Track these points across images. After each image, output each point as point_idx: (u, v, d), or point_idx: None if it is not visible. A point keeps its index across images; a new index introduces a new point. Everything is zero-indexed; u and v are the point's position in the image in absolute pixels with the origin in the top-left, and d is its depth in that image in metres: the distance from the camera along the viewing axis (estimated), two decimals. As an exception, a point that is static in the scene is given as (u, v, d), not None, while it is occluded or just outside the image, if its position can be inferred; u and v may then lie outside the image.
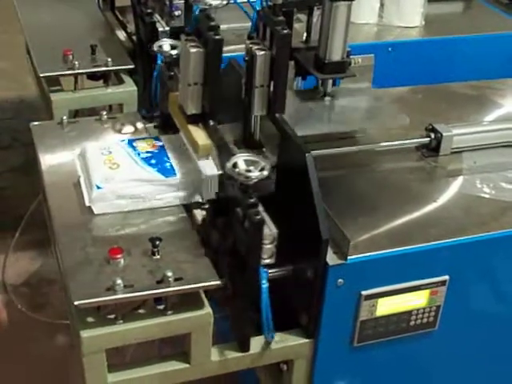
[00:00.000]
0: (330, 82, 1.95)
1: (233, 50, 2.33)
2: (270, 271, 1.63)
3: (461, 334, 1.85)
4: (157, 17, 2.48)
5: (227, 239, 1.62)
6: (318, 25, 1.92)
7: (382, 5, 2.93)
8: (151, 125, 2.10)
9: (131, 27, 2.70)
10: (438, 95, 2.33)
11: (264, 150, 1.86)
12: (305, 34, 2.02)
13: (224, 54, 2.07)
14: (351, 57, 1.92)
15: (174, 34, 2.08)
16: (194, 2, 1.77)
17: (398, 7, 2.88)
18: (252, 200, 1.50)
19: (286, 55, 1.67)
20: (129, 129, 2.06)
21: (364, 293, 1.66)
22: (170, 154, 1.85)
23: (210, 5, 1.75)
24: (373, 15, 2.92)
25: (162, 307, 1.59)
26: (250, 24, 1.79)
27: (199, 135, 1.78)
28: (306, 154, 1.58)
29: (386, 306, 1.70)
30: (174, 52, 1.95)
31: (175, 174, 1.78)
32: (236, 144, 1.86)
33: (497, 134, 2.03)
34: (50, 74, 2.43)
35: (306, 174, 1.57)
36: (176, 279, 1.55)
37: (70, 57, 2.43)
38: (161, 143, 1.90)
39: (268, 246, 1.54)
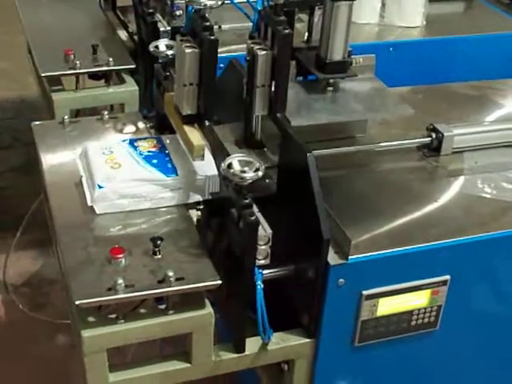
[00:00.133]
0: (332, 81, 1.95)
1: (234, 50, 2.34)
2: (268, 271, 1.63)
3: (462, 333, 1.85)
4: (158, 16, 2.48)
5: (222, 240, 1.62)
6: (319, 25, 1.92)
7: (383, 5, 2.93)
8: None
9: (133, 27, 2.70)
10: (439, 95, 2.33)
11: (265, 149, 1.86)
12: (306, 34, 2.02)
13: (225, 54, 2.08)
14: (352, 57, 1.92)
15: (175, 33, 2.08)
16: (189, 2, 1.77)
17: (399, 7, 2.88)
18: (247, 201, 1.51)
19: (287, 55, 1.67)
20: (130, 128, 2.06)
21: (365, 292, 1.66)
22: (171, 154, 1.85)
23: (205, 5, 1.75)
24: (374, 15, 2.92)
25: (163, 307, 1.59)
26: (251, 24, 1.79)
27: (194, 136, 1.79)
28: (308, 154, 1.58)
29: (387, 306, 1.70)
30: (169, 52, 1.95)
31: (176, 173, 1.78)
32: (237, 144, 1.86)
33: (498, 134, 2.03)
34: (52, 73, 2.43)
35: (307, 174, 1.57)
36: (177, 279, 1.55)
37: (72, 56, 2.44)
38: (162, 143, 1.90)
39: (263, 247, 1.54)
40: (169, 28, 2.46)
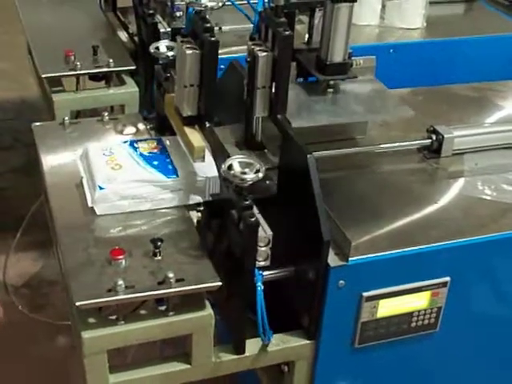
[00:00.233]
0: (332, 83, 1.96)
1: (235, 51, 2.34)
2: (268, 273, 1.63)
3: (462, 335, 1.85)
4: (158, 18, 2.48)
5: (222, 241, 1.62)
6: (319, 26, 1.92)
7: (383, 6, 2.93)
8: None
9: (133, 28, 2.70)
10: (440, 97, 2.33)
11: (266, 151, 1.86)
12: (306, 36, 2.02)
13: (226, 55, 2.08)
14: (353, 58, 1.92)
15: (176, 35, 2.09)
16: (190, 3, 1.77)
17: (399, 9, 2.88)
18: (247, 202, 1.51)
19: (287, 56, 1.67)
20: (130, 130, 2.06)
21: (365, 294, 1.66)
22: (171, 155, 1.85)
23: (206, 6, 1.75)
24: (374, 17, 2.92)
25: (163, 308, 1.59)
26: (251, 25, 1.79)
27: (195, 137, 1.79)
28: (308, 156, 1.58)
29: (387, 308, 1.70)
30: (170, 53, 1.95)
31: (177, 174, 1.78)
32: (238, 145, 1.86)
33: (498, 136, 2.03)
34: (52, 74, 2.43)
35: (307, 176, 1.57)
36: (177, 280, 1.55)
37: (72, 57, 2.44)
38: (162, 144, 1.90)
39: (263, 249, 1.54)
40: (169, 29, 2.47)
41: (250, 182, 1.52)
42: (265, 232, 1.54)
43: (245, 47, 1.75)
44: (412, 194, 1.84)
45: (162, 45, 1.99)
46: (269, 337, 1.65)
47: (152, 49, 1.98)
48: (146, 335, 1.59)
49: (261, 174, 1.53)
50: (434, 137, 1.98)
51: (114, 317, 1.55)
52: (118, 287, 1.51)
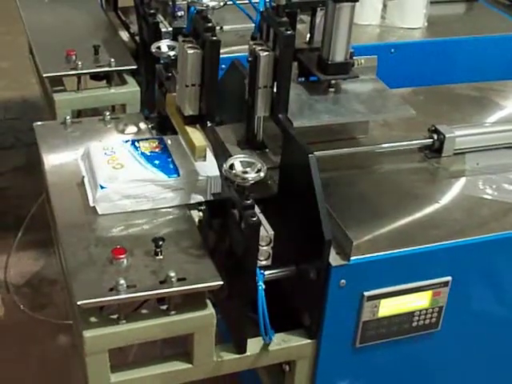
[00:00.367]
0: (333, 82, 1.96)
1: (236, 51, 2.34)
2: (270, 272, 1.63)
3: (463, 334, 1.85)
4: (160, 17, 2.48)
5: (224, 241, 1.62)
6: (321, 26, 1.92)
7: (384, 6, 2.93)
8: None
9: (134, 28, 2.70)
10: (441, 97, 2.33)
11: (267, 150, 1.86)
12: (308, 35, 2.02)
13: (227, 55, 2.08)
14: (354, 58, 1.92)
15: (177, 34, 2.09)
16: (192, 3, 1.77)
17: (400, 8, 2.88)
18: (248, 202, 1.51)
19: (289, 56, 1.67)
20: (132, 129, 2.06)
21: (366, 294, 1.66)
22: (173, 155, 1.86)
23: (207, 6, 1.75)
24: (376, 16, 2.92)
25: (164, 307, 1.59)
26: (253, 25, 1.79)
27: (196, 136, 1.79)
28: (309, 155, 1.58)
29: (389, 307, 1.70)
30: (171, 53, 1.95)
31: (178, 174, 1.78)
32: (239, 144, 1.86)
33: (499, 136, 2.03)
34: (53, 74, 2.43)
35: (308, 175, 1.57)
36: (179, 279, 1.55)
37: (73, 57, 2.44)
38: (164, 144, 1.90)
39: (264, 248, 1.54)
40: (171, 29, 2.47)
41: (252, 182, 1.52)
42: (266, 231, 1.54)
43: (246, 47, 1.75)
44: (413, 194, 1.84)
45: (164, 44, 1.99)
46: (270, 336, 1.65)
47: (153, 48, 1.99)
48: (148, 334, 1.59)
49: (262, 174, 1.53)
50: (435, 136, 1.98)
51: (115, 316, 1.56)
52: (119, 286, 1.51)
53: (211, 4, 1.76)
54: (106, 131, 2.07)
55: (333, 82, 1.92)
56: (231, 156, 1.60)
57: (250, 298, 1.59)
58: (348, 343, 1.73)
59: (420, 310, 1.74)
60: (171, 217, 1.76)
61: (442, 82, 2.45)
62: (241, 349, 1.67)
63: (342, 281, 1.63)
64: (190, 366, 1.65)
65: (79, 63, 2.42)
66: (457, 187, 1.88)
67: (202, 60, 1.75)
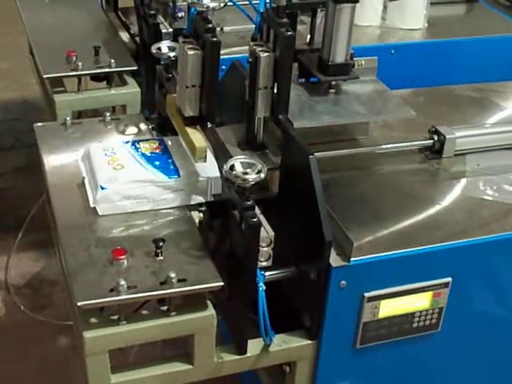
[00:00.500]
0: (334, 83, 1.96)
1: (236, 52, 2.34)
2: (270, 273, 1.63)
3: (464, 335, 1.85)
4: (160, 18, 2.48)
5: (224, 241, 1.62)
6: (321, 27, 1.92)
7: (385, 7, 2.93)
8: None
9: (134, 28, 2.70)
10: (441, 97, 2.33)
11: (267, 151, 1.86)
12: (308, 36, 2.02)
13: (228, 56, 2.08)
14: (354, 59, 1.93)
15: (177, 35, 2.09)
16: (192, 4, 1.77)
17: (400, 9, 2.88)
18: (249, 203, 1.51)
19: (289, 57, 1.67)
20: (132, 130, 2.07)
21: (367, 295, 1.66)
22: (173, 156, 1.86)
23: (208, 7, 1.75)
24: (376, 17, 2.92)
25: (165, 308, 1.59)
26: (253, 26, 1.79)
27: (196, 137, 1.79)
28: (310, 156, 1.58)
29: (389, 308, 1.70)
30: (171, 54, 1.95)
31: (179, 175, 1.79)
32: (239, 145, 1.86)
33: (500, 137, 2.04)
34: (54, 75, 2.43)
35: (309, 176, 1.57)
36: (179, 280, 1.55)
37: (74, 58, 2.44)
38: (164, 145, 1.90)
39: (265, 249, 1.55)
40: (171, 30, 2.47)
41: (252, 183, 1.52)
42: (267, 232, 1.54)
43: (246, 48, 1.75)
44: (413, 195, 1.84)
45: (164, 45, 1.99)
46: (270, 337, 1.65)
47: (154, 49, 1.99)
48: (148, 335, 1.59)
49: (262, 175, 1.53)
50: (435, 137, 1.98)
51: (115, 317, 1.56)
52: (119, 287, 1.51)
53: (211, 5, 1.76)
54: (107, 132, 2.07)
55: (333, 82, 1.92)
56: (231, 157, 1.60)
57: (250, 299, 1.59)
58: (348, 344, 1.73)
59: (420, 311, 1.74)
60: (172, 218, 1.76)
61: (442, 82, 2.45)
62: (241, 350, 1.67)
63: (343, 282, 1.63)
64: (191, 366, 1.65)
65: (79, 64, 2.42)
66: (457, 188, 1.88)
67: (202, 61, 1.75)
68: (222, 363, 1.67)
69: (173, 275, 1.54)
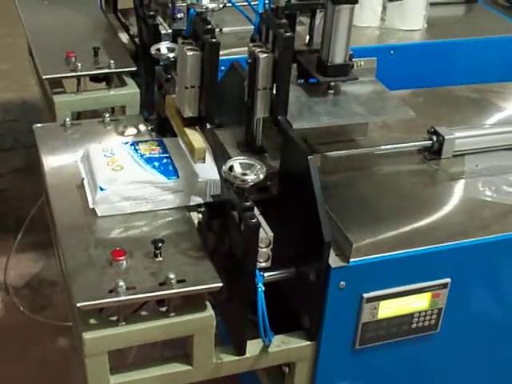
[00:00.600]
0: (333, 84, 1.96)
1: (235, 53, 2.34)
2: (269, 274, 1.63)
3: (463, 336, 1.85)
4: (159, 19, 2.47)
5: (223, 242, 1.62)
6: (320, 28, 1.92)
7: (384, 8, 2.93)
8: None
9: (134, 29, 2.70)
10: (440, 98, 2.33)
11: (266, 155, 1.86)
12: (307, 37, 2.03)
13: (227, 57, 2.08)
14: (353, 60, 1.93)
15: (177, 36, 2.09)
16: (191, 5, 1.77)
17: (400, 10, 2.88)
18: (248, 203, 1.51)
19: (288, 58, 1.67)
20: (131, 131, 2.07)
21: (366, 295, 1.66)
22: (172, 157, 1.86)
23: (207, 8, 1.75)
24: (375, 18, 2.92)
25: (164, 309, 1.59)
26: (252, 27, 1.79)
27: (195, 138, 1.79)
28: (308, 157, 1.58)
29: (388, 309, 1.70)
30: (171, 55, 1.95)
31: (178, 176, 1.79)
32: (239, 147, 1.86)
33: (499, 137, 2.04)
34: (53, 75, 2.43)
35: (308, 177, 1.57)
36: (178, 281, 1.55)
37: (73, 59, 2.44)
38: (163, 145, 1.90)
39: (264, 250, 1.55)
40: (170, 31, 2.46)
41: (251, 184, 1.52)
42: (266, 233, 1.54)
43: (245, 49, 1.75)
44: (412, 196, 1.85)
45: (163, 46, 1.99)
46: (270, 338, 1.66)
47: (153, 50, 1.99)
48: (147, 336, 1.59)
49: (261, 175, 1.53)
50: (434, 138, 1.98)
51: (114, 318, 1.56)
52: (119, 288, 1.51)
53: (211, 6, 1.76)
54: (106, 133, 2.07)
55: (332, 83, 1.92)
56: (231, 158, 1.60)
57: (249, 300, 1.59)
58: (347, 345, 1.73)
59: (419, 312, 1.74)
60: (171, 219, 1.76)
61: (441, 83, 2.45)
62: (240, 350, 1.67)
63: (342, 282, 1.63)
64: (190, 367, 1.66)
65: (79, 65, 2.42)
66: (456, 189, 1.88)
67: (201, 62, 1.75)
68: (221, 364, 1.67)
69: (172, 276, 1.54)
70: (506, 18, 3.11)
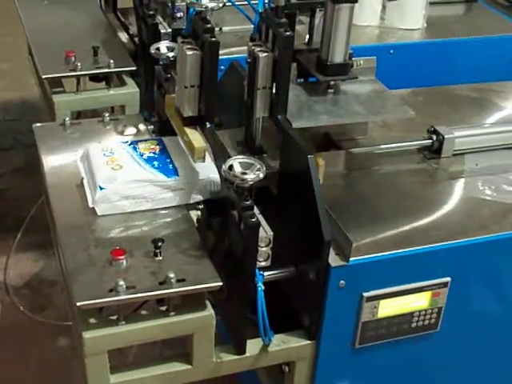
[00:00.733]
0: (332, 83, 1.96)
1: (235, 52, 2.34)
2: (269, 273, 1.63)
3: (463, 335, 1.85)
4: (159, 18, 2.48)
5: (223, 241, 1.62)
6: (320, 27, 1.92)
7: (383, 7, 2.93)
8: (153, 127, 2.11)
9: (133, 29, 2.70)
10: (440, 97, 2.33)
11: (265, 155, 1.86)
12: (307, 36, 2.02)
13: (226, 56, 2.08)
14: (353, 59, 1.93)
15: (176, 35, 2.09)
16: (191, 4, 1.77)
17: (399, 9, 2.88)
18: (248, 202, 1.51)
19: (288, 57, 1.67)
20: (131, 130, 2.07)
21: (366, 294, 1.66)
22: (172, 156, 1.86)
23: (206, 7, 1.75)
24: (375, 17, 2.92)
25: (164, 308, 1.59)
26: (252, 26, 1.79)
27: (195, 137, 1.79)
28: (308, 156, 1.58)
29: (388, 308, 1.70)
30: (170, 54, 1.95)
31: (177, 174, 1.79)
32: (238, 146, 1.86)
33: (499, 137, 2.04)
34: (53, 75, 2.43)
35: (308, 176, 1.57)
36: (178, 280, 1.55)
37: (73, 58, 2.44)
38: (163, 145, 1.90)
39: (263, 249, 1.55)
40: (170, 30, 2.47)
41: (251, 183, 1.52)
42: (265, 232, 1.54)
43: (245, 48, 1.75)
44: (412, 195, 1.85)
45: (163, 45, 1.99)
46: (269, 337, 1.66)
47: (152, 49, 1.99)
48: (147, 335, 1.59)
49: (261, 174, 1.53)
50: (434, 137, 1.98)
51: (114, 317, 1.56)
52: (118, 287, 1.51)
53: (210, 5, 1.76)
54: (106, 132, 2.07)
55: (332, 82, 1.92)
56: (230, 157, 1.60)
57: (249, 299, 1.59)
58: (347, 344, 1.73)
59: (419, 311, 1.74)
60: (170, 218, 1.76)
61: (441, 82, 2.45)
62: (240, 350, 1.67)
63: (342, 281, 1.63)
64: (190, 366, 1.66)
65: (78, 64, 2.42)
66: (456, 188, 1.88)
67: (201, 61, 1.75)
68: (221, 363, 1.67)
69: (172, 275, 1.54)
70: (506, 18, 3.11)
